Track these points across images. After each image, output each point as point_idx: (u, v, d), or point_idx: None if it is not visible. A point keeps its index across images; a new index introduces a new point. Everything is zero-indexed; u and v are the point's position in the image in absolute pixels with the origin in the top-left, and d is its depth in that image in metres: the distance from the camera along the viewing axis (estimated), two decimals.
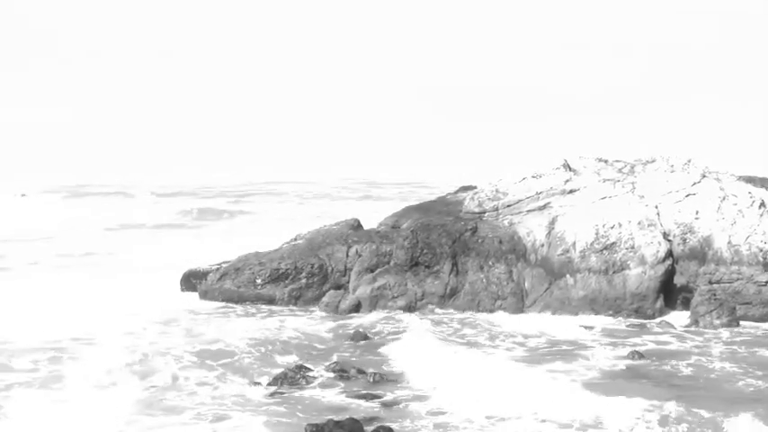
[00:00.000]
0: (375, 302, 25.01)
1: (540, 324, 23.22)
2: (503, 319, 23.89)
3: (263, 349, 20.11)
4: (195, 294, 26.79)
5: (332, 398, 16.48)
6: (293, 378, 17.49)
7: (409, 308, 24.80)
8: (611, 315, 24.00)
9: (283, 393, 16.75)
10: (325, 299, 25.38)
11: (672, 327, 22.85)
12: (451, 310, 24.74)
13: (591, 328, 22.82)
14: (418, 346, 20.02)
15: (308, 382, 17.36)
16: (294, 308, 25.32)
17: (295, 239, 28.14)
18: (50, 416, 15.10)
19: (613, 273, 24.62)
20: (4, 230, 50.83)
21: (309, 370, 18.13)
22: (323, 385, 17.29)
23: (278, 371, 18.01)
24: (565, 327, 22.86)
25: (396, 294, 25.10)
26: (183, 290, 27.51)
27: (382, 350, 20.22)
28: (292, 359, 19.27)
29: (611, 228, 25.38)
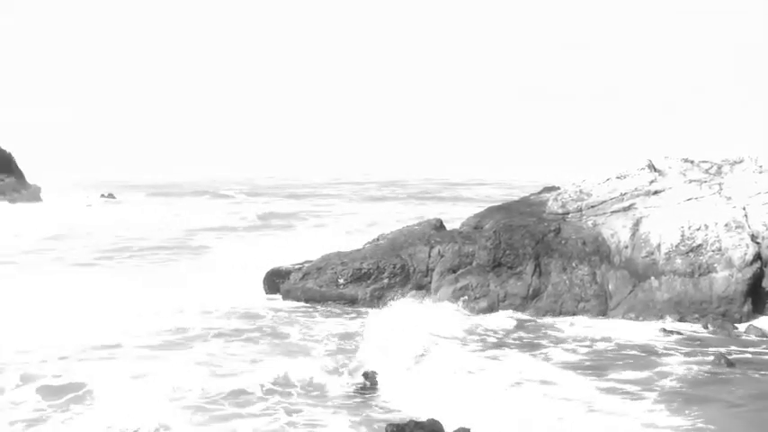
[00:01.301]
0: (457, 303, 24.99)
1: (616, 328, 22.86)
2: (577, 321, 23.68)
3: (347, 348, 20.32)
4: (276, 293, 27.14)
5: None
6: (374, 372, 17.65)
7: (491, 309, 24.72)
8: (696, 319, 23.52)
9: (365, 393, 16.89)
10: (407, 299, 25.47)
11: (761, 332, 22.31)
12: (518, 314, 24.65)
13: (672, 332, 22.16)
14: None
15: None
16: (376, 308, 25.41)
17: (377, 239, 28.31)
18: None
19: (699, 275, 24.17)
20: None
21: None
22: None
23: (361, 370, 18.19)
24: (643, 331, 22.35)
25: (478, 295, 25.05)
26: (265, 289, 27.84)
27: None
28: None
29: (698, 230, 24.93)
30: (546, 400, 16.07)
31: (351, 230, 50.21)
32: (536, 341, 21.35)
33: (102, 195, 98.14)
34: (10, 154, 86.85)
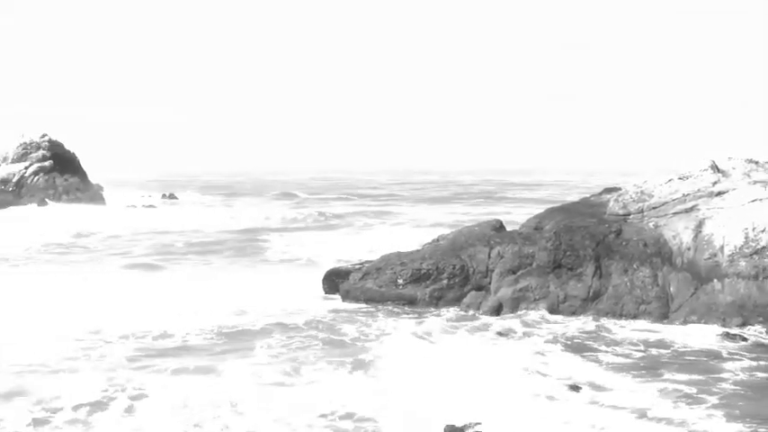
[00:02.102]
0: (516, 304, 24.91)
1: (676, 331, 22.61)
2: (638, 324, 23.45)
3: None
4: (336, 293, 27.28)
5: None
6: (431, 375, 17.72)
7: (551, 310, 24.61)
8: (760, 323, 23.14)
9: None
10: (466, 300, 25.46)
11: None
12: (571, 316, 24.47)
13: (735, 336, 21.75)
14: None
15: None
16: (436, 309, 25.42)
17: (437, 240, 28.32)
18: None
19: (764, 278, 23.78)
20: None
21: None
22: None
23: None
24: (705, 334, 22.04)
25: (538, 297, 24.95)
26: (324, 289, 27.99)
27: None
28: None
29: (762, 231, 24.54)
30: (592, 407, 15.94)
31: (410, 231, 50.37)
32: (592, 344, 21.19)
33: (164, 195, 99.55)
34: (74, 154, 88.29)
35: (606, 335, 22.25)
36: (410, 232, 49.22)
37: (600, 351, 20.30)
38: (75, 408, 15.71)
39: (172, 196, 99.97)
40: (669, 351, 20.48)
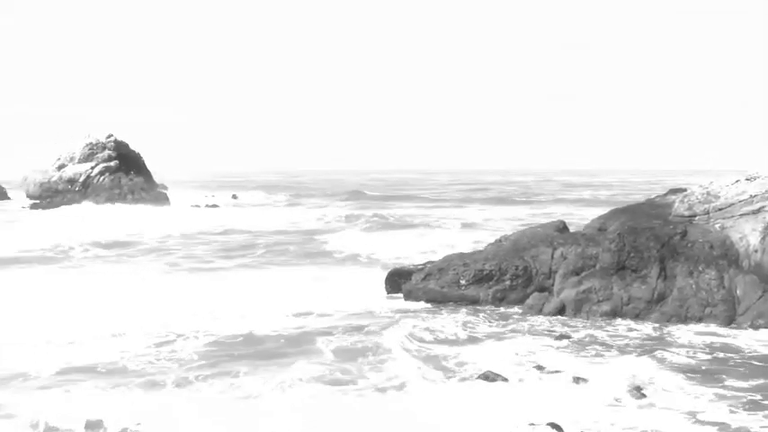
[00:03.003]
0: (580, 306, 24.76)
1: (742, 334, 22.24)
2: (702, 327, 23.17)
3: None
4: (398, 293, 27.39)
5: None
6: (495, 375, 17.71)
7: (614, 312, 24.41)
8: None
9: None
10: (529, 301, 25.38)
11: None
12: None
13: None
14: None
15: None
16: (498, 309, 25.39)
17: (500, 241, 28.28)
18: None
19: None
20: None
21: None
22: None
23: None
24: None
25: (601, 298, 24.77)
26: (387, 289, 28.10)
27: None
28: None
29: None
30: (656, 411, 15.80)
31: (470, 232, 50.33)
32: (656, 346, 20.94)
33: (234, 196, 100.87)
34: (138, 154, 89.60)
35: (670, 338, 22.00)
36: (470, 233, 49.21)
37: (664, 354, 20.03)
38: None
39: (234, 197, 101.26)
40: (736, 356, 20.15)
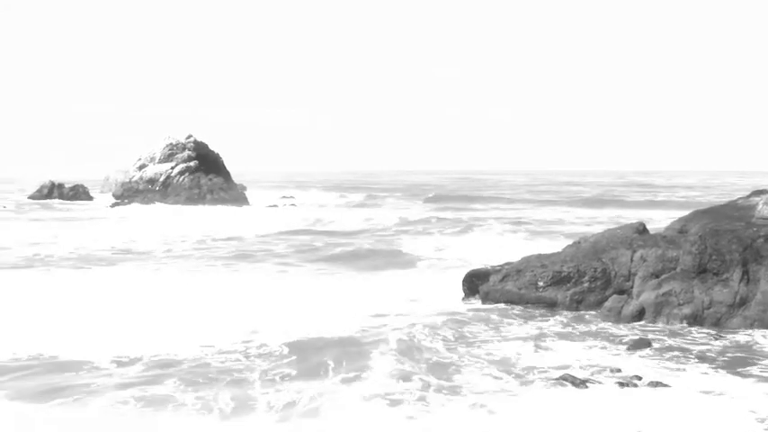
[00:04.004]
0: (659, 309, 24.42)
1: None
2: None
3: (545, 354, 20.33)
4: (475, 295, 27.30)
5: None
6: (574, 380, 17.56)
7: (695, 316, 24.00)
8: None
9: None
10: (607, 304, 25.11)
11: None
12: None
13: None
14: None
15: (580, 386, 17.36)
16: (576, 312, 25.18)
17: (578, 242, 28.02)
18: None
19: None
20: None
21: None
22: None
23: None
24: None
25: (681, 302, 24.39)
26: (464, 290, 28.04)
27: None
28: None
29: None
30: (733, 418, 15.49)
31: (550, 233, 50.08)
32: (741, 355, 20.54)
33: (311, 196, 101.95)
34: (218, 155, 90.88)
35: (754, 345, 21.54)
36: (549, 235, 48.97)
37: (747, 362, 19.65)
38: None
39: (311, 196, 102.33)
40: None
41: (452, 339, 21.68)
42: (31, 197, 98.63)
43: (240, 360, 19.56)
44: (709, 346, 21.25)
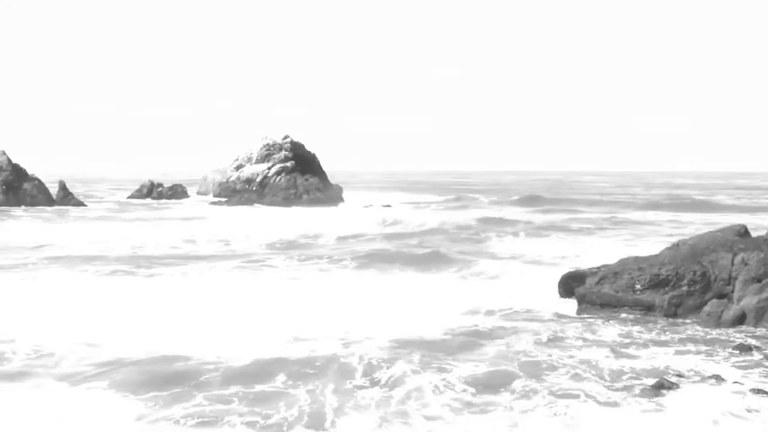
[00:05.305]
0: (761, 314, 23.84)
1: None
2: None
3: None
4: (571, 297, 27.09)
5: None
6: (671, 385, 17.33)
7: None
8: None
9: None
10: (707, 308, 24.61)
11: None
12: None
13: None
14: None
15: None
16: (674, 316, 24.77)
17: (677, 245, 27.55)
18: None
19: None
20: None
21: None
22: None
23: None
24: None
25: None
26: (560, 292, 27.83)
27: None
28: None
29: None
30: None
31: (649, 235, 49.43)
32: None
33: (406, 196, 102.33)
34: (314, 155, 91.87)
35: None
36: (648, 237, 48.30)
37: None
38: None
39: (406, 197, 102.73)
40: None
41: (545, 341, 21.58)
42: (131, 197, 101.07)
43: (344, 355, 19.82)
44: None
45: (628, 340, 21.77)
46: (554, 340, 21.72)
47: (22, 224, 61.01)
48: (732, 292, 24.99)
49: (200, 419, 15.48)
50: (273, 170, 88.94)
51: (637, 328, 23.35)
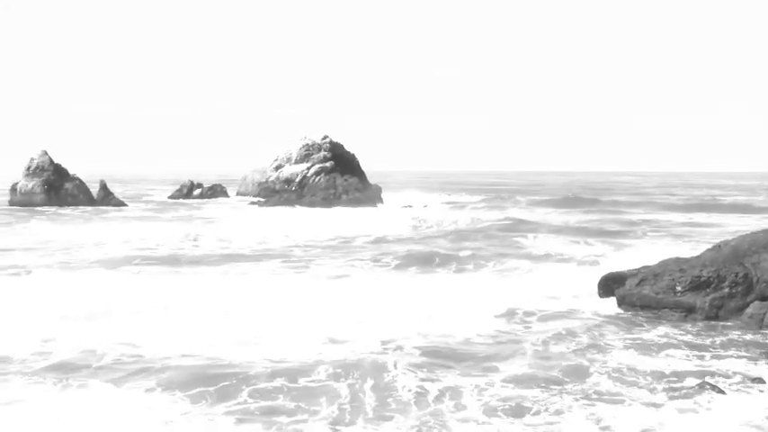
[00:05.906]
0: None
1: None
2: None
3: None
4: (611, 297, 27.07)
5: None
6: (713, 388, 17.27)
7: None
8: None
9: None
10: (748, 310, 24.45)
11: None
12: None
13: None
14: None
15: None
16: (714, 318, 24.62)
17: (719, 246, 27.37)
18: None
19: None
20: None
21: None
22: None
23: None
24: None
25: None
26: (599, 293, 27.79)
27: None
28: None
29: None
30: None
31: (689, 238, 49.14)
32: None
33: (445, 197, 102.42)
34: (353, 155, 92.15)
35: None
36: (689, 240, 48.05)
37: None
38: None
39: (445, 197, 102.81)
40: None
41: (585, 344, 21.54)
42: (171, 196, 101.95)
43: (385, 356, 19.95)
44: None
45: (668, 342, 21.71)
46: (594, 341, 21.70)
47: (63, 224, 61.92)
48: None
49: (245, 416, 15.74)
50: (313, 170, 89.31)
51: (677, 330, 23.27)
